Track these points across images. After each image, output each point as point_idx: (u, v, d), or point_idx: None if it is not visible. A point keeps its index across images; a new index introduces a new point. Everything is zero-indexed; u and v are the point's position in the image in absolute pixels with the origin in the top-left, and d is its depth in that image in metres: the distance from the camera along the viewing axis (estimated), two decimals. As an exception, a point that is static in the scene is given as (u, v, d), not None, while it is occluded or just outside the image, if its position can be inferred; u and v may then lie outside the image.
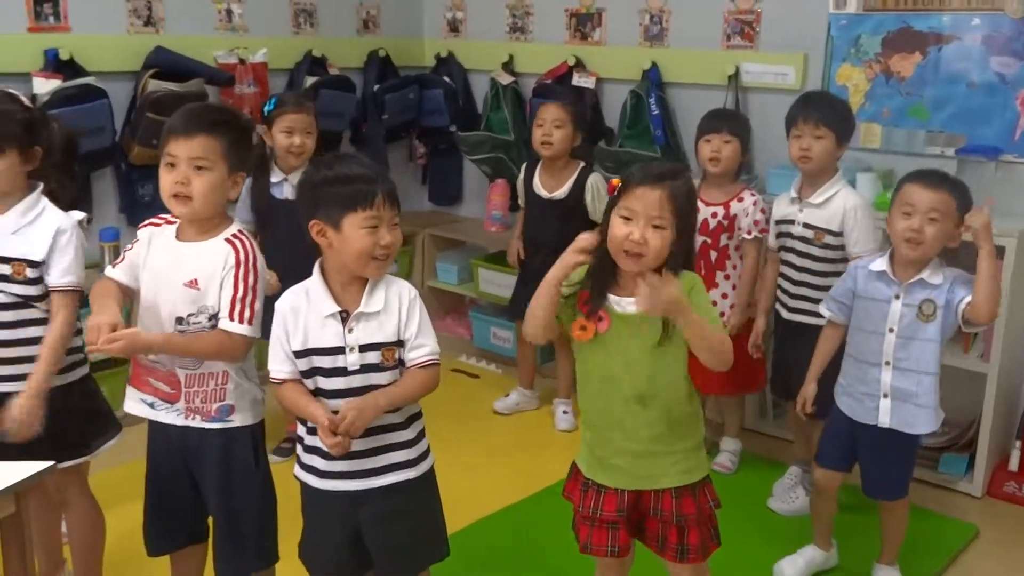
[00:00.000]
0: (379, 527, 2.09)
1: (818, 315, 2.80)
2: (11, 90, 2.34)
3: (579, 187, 3.69)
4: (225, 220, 2.18)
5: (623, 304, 2.04)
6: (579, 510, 2.18)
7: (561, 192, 3.72)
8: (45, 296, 2.28)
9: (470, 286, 4.66)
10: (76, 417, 2.35)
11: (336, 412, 1.96)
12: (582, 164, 3.74)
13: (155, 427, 2.24)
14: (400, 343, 2.02)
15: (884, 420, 2.59)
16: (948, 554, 3.00)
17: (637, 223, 1.97)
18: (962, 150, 3.40)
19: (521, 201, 3.90)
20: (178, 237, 2.16)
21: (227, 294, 2.08)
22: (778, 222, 3.13)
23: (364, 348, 2.00)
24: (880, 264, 2.58)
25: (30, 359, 2.23)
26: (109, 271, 2.20)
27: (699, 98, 3.91)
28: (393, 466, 2.06)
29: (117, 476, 2.82)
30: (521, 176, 3.88)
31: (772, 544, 2.96)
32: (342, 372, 2.00)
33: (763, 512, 3.23)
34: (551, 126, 3.64)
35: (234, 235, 2.15)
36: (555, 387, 4.01)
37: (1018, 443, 3.35)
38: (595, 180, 3.69)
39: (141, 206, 3.92)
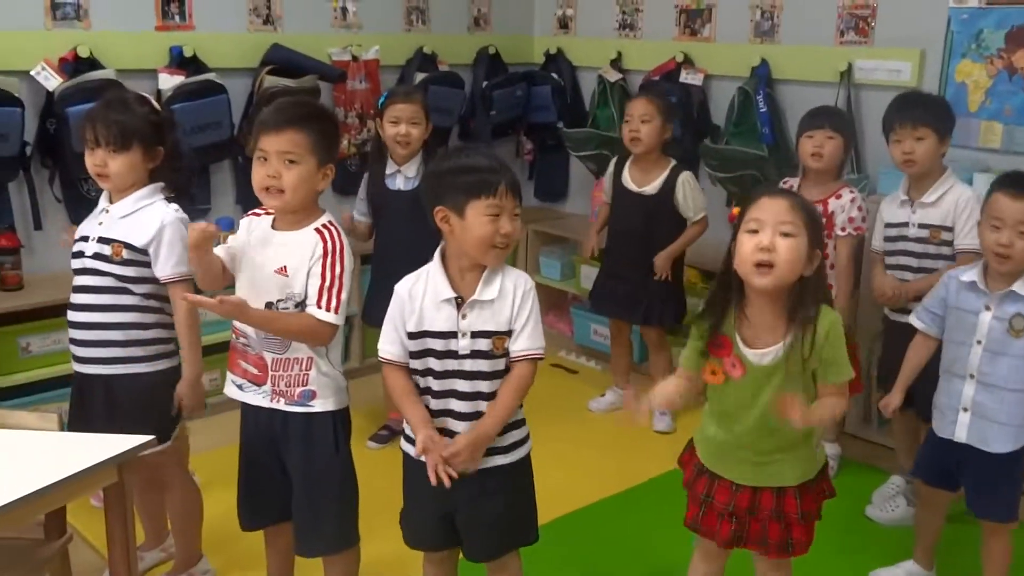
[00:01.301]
0: (471, 506, 2.14)
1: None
2: (144, 93, 2.48)
3: (670, 184, 3.66)
4: (316, 211, 2.24)
5: (757, 356, 2.02)
6: (690, 489, 2.20)
7: (651, 188, 3.69)
8: (140, 281, 2.40)
9: (572, 282, 4.66)
10: (163, 404, 2.46)
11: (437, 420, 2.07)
12: (673, 162, 3.70)
13: (246, 410, 2.33)
14: (511, 332, 2.06)
15: (961, 435, 2.47)
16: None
17: (765, 231, 1.94)
18: (1090, 152, 3.20)
19: (607, 196, 3.88)
20: (273, 226, 2.24)
21: (315, 282, 2.15)
22: (888, 225, 3.02)
23: (476, 335, 2.05)
24: (972, 275, 2.45)
25: (112, 343, 2.38)
26: (216, 249, 2.27)
27: (809, 95, 3.79)
28: (490, 451, 2.11)
29: (215, 458, 2.94)
30: (610, 170, 3.86)
31: (867, 553, 2.87)
32: (453, 355, 2.06)
33: (860, 520, 3.13)
34: (638, 121, 3.62)
35: (324, 225, 2.21)
36: (651, 387, 3.96)
37: None
38: (686, 178, 3.66)
39: (256, 197, 4.05)
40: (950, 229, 2.89)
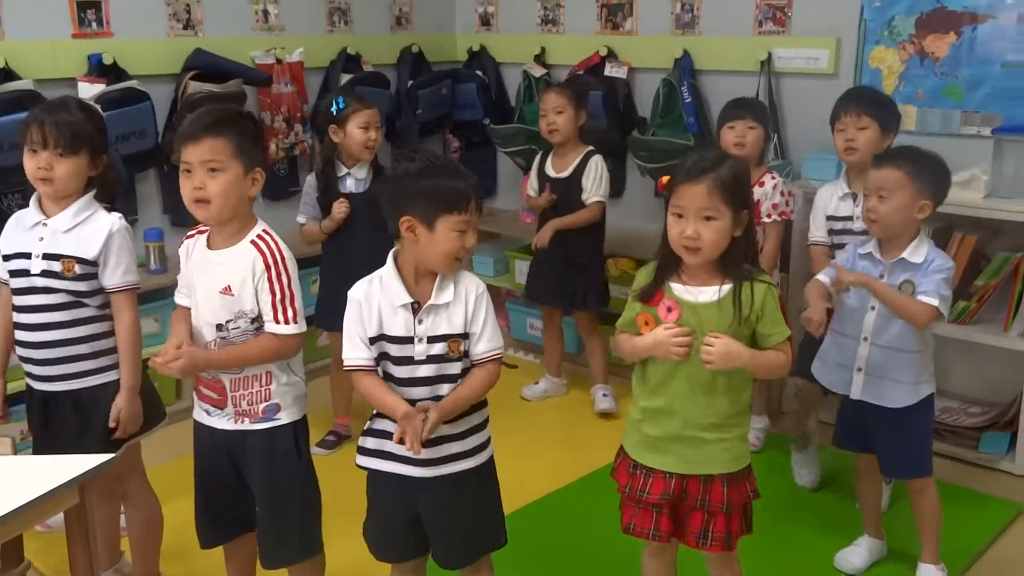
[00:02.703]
0: (437, 513, 2.13)
1: None
2: (87, 101, 2.41)
3: (581, 167, 3.74)
4: (250, 221, 2.19)
5: (692, 292, 2.05)
6: (625, 491, 2.20)
7: (566, 172, 3.77)
8: (94, 293, 2.34)
9: (506, 278, 4.68)
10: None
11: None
12: (590, 147, 3.78)
13: (199, 425, 2.28)
14: (466, 335, 2.06)
15: (856, 393, 2.60)
16: (991, 532, 2.99)
17: (688, 219, 1.99)
18: (998, 129, 3.36)
19: (533, 189, 3.94)
20: (209, 246, 2.20)
21: (266, 299, 2.12)
22: (831, 218, 3.06)
23: (432, 339, 2.04)
24: (869, 246, 2.58)
25: (80, 357, 2.32)
26: (176, 298, 2.27)
27: (731, 85, 3.90)
28: (455, 455, 2.09)
29: (169, 471, 2.88)
30: (536, 163, 3.93)
31: (801, 520, 3.01)
32: (409, 361, 2.05)
33: (793, 488, 3.26)
34: (553, 114, 3.70)
35: (259, 236, 2.16)
36: (586, 375, 4.05)
37: (1060, 421, 3.31)
38: (596, 160, 3.74)
39: (184, 207, 3.96)
40: None
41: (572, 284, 3.83)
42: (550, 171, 3.83)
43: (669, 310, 2.05)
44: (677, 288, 2.06)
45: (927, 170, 2.50)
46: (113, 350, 2.37)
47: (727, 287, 2.03)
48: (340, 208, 3.33)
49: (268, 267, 2.12)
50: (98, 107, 2.45)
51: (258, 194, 2.19)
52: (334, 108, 3.39)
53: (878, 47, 3.66)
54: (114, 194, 2.48)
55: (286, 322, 2.13)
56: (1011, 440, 3.37)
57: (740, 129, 3.26)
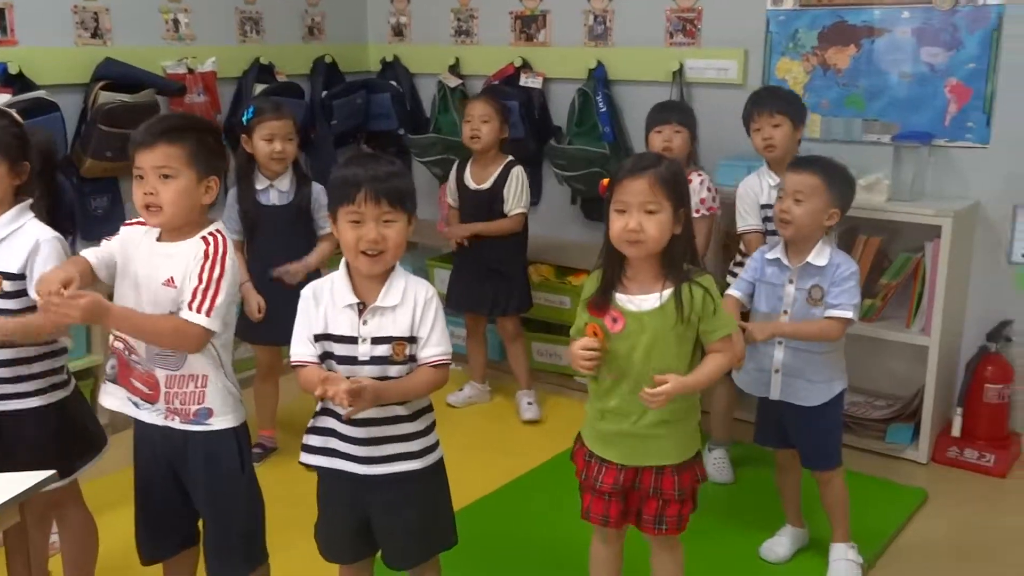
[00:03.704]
0: (386, 515, 2.15)
1: None
2: (4, 108, 2.32)
3: (503, 178, 3.79)
4: (204, 223, 2.17)
5: (636, 302, 2.13)
6: (582, 477, 2.28)
7: (487, 183, 3.81)
8: (24, 311, 2.24)
9: (425, 286, 4.69)
10: (59, 438, 2.31)
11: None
12: (510, 158, 3.84)
13: (140, 435, 2.24)
14: (412, 339, 2.07)
15: (775, 394, 2.73)
16: (900, 518, 3.15)
17: (631, 213, 2.07)
18: (897, 136, 3.58)
19: (452, 198, 3.96)
20: (159, 239, 2.17)
21: (191, 285, 2.08)
22: (765, 207, 3.18)
23: (376, 340, 2.05)
24: (776, 251, 2.71)
25: (19, 379, 2.24)
26: (83, 252, 2.17)
27: (645, 94, 4.02)
28: (400, 455, 2.11)
29: (105, 485, 2.78)
30: (453, 173, 3.95)
31: (722, 515, 3.12)
32: (353, 361, 2.05)
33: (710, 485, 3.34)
34: (479, 121, 3.74)
35: (210, 232, 2.15)
36: (509, 381, 4.12)
37: (959, 410, 3.52)
38: (517, 172, 3.79)
39: (94, 219, 3.88)
40: None
41: (494, 291, 3.89)
42: (470, 182, 3.86)
43: (614, 320, 2.13)
44: (621, 299, 2.14)
45: (839, 180, 2.65)
46: (42, 374, 2.30)
47: (668, 291, 2.11)
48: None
49: (206, 256, 2.09)
50: (14, 113, 2.35)
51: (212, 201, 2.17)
52: (244, 118, 3.37)
53: (783, 58, 3.84)
54: (69, 223, 2.41)
55: (198, 311, 2.06)
56: (914, 430, 3.58)
57: (667, 133, 3.39)
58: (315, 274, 3.13)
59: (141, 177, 2.09)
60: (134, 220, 2.23)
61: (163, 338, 2.10)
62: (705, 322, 2.13)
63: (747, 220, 3.23)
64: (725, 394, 3.40)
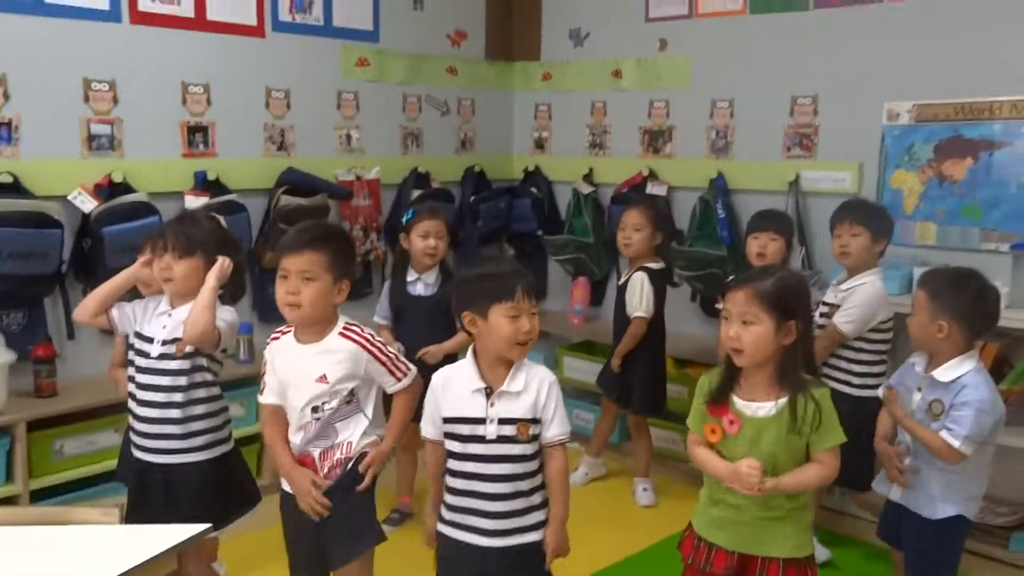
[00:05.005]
0: None
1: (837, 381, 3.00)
2: (215, 214, 2.55)
3: (626, 282, 3.71)
4: (334, 318, 2.28)
5: (752, 408, 2.06)
6: (689, 562, 2.18)
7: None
8: (202, 371, 2.40)
9: (556, 372, 4.62)
10: (217, 492, 2.40)
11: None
12: (642, 265, 3.68)
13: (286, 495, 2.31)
14: (535, 420, 2.07)
15: (895, 496, 2.52)
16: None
17: (732, 321, 2.02)
18: (1016, 245, 3.32)
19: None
20: (299, 340, 2.26)
21: (380, 371, 2.27)
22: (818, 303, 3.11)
23: (503, 421, 2.06)
24: (917, 356, 2.52)
25: (189, 435, 2.36)
26: (261, 399, 2.33)
27: (762, 202, 3.89)
28: (515, 530, 2.11)
29: (247, 542, 2.85)
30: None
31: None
32: (480, 440, 2.07)
33: None
34: (631, 230, 3.67)
35: (345, 328, 2.26)
36: (625, 466, 3.97)
37: (1086, 520, 3.16)
38: (640, 277, 3.64)
39: (271, 305, 3.99)
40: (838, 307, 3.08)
41: (621, 383, 3.77)
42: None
43: (731, 423, 2.05)
44: (739, 402, 2.07)
45: (947, 291, 2.40)
46: (205, 431, 2.39)
47: (783, 400, 2.02)
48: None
49: (368, 350, 2.24)
50: (222, 219, 2.55)
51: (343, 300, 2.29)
52: (404, 219, 3.47)
53: (898, 170, 3.66)
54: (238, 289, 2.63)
55: (402, 377, 2.28)
56: (1039, 538, 3.22)
57: (763, 240, 3.31)
58: (452, 358, 3.17)
59: (285, 277, 2.20)
60: (270, 338, 2.34)
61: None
62: (814, 433, 2.02)
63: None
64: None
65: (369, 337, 2.27)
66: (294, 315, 2.20)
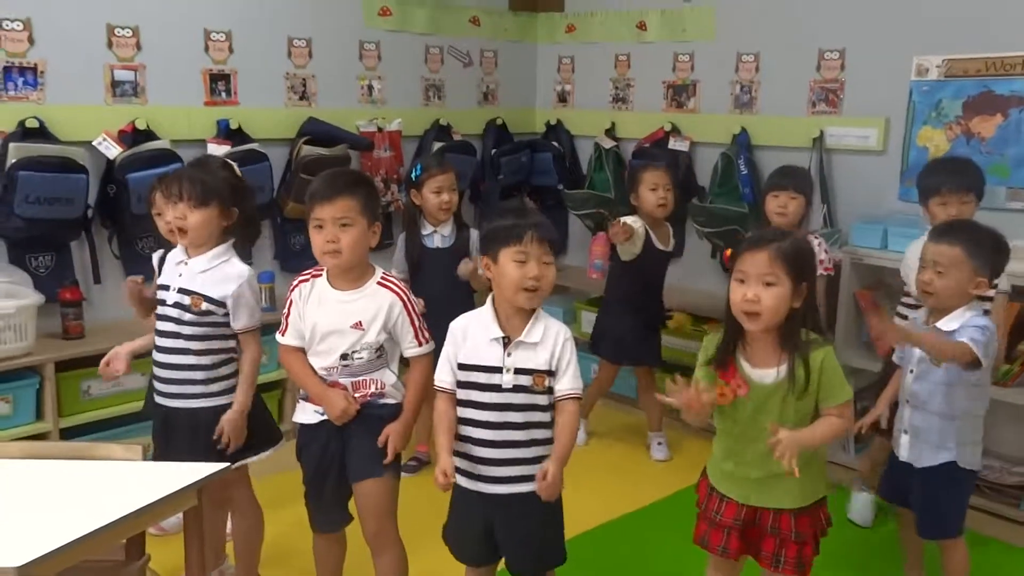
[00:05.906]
0: (508, 527, 2.16)
1: None
2: (229, 160, 2.53)
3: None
4: (370, 267, 2.29)
5: (758, 375, 2.06)
6: (702, 509, 2.21)
7: (668, 246, 3.72)
8: (218, 326, 2.40)
9: (574, 327, 4.67)
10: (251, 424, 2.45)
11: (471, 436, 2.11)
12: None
13: (309, 438, 2.34)
14: (551, 372, 2.09)
15: (903, 454, 2.51)
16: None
17: (750, 283, 1.99)
18: (1043, 204, 3.27)
19: (628, 254, 3.78)
20: (334, 287, 2.27)
21: (407, 329, 2.27)
22: None
23: (519, 371, 2.08)
24: (921, 313, 2.51)
25: (209, 381, 2.39)
26: (281, 339, 2.33)
27: (785, 159, 3.84)
28: (523, 478, 2.12)
29: (271, 483, 2.90)
30: (643, 233, 3.62)
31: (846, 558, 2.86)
32: (496, 388, 2.09)
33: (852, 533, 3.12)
34: (664, 190, 3.61)
35: (383, 278, 2.27)
36: (642, 421, 4.00)
37: (1101, 482, 3.14)
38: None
39: (292, 254, 4.09)
40: None
41: (651, 344, 3.83)
42: (657, 244, 3.69)
43: (740, 386, 2.06)
44: (745, 366, 2.07)
45: (985, 247, 2.37)
46: (224, 377, 2.43)
47: (784, 366, 2.02)
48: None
49: (403, 303, 2.25)
50: (236, 167, 2.52)
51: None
52: (413, 174, 3.45)
53: (925, 127, 3.59)
54: (251, 236, 2.59)
55: (423, 342, 2.28)
56: (1052, 498, 3.21)
57: (783, 198, 3.27)
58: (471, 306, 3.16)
59: (320, 227, 2.19)
60: (296, 280, 2.33)
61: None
62: (822, 391, 2.03)
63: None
64: (883, 444, 3.14)
65: (406, 290, 2.28)
66: (335, 261, 2.20)
